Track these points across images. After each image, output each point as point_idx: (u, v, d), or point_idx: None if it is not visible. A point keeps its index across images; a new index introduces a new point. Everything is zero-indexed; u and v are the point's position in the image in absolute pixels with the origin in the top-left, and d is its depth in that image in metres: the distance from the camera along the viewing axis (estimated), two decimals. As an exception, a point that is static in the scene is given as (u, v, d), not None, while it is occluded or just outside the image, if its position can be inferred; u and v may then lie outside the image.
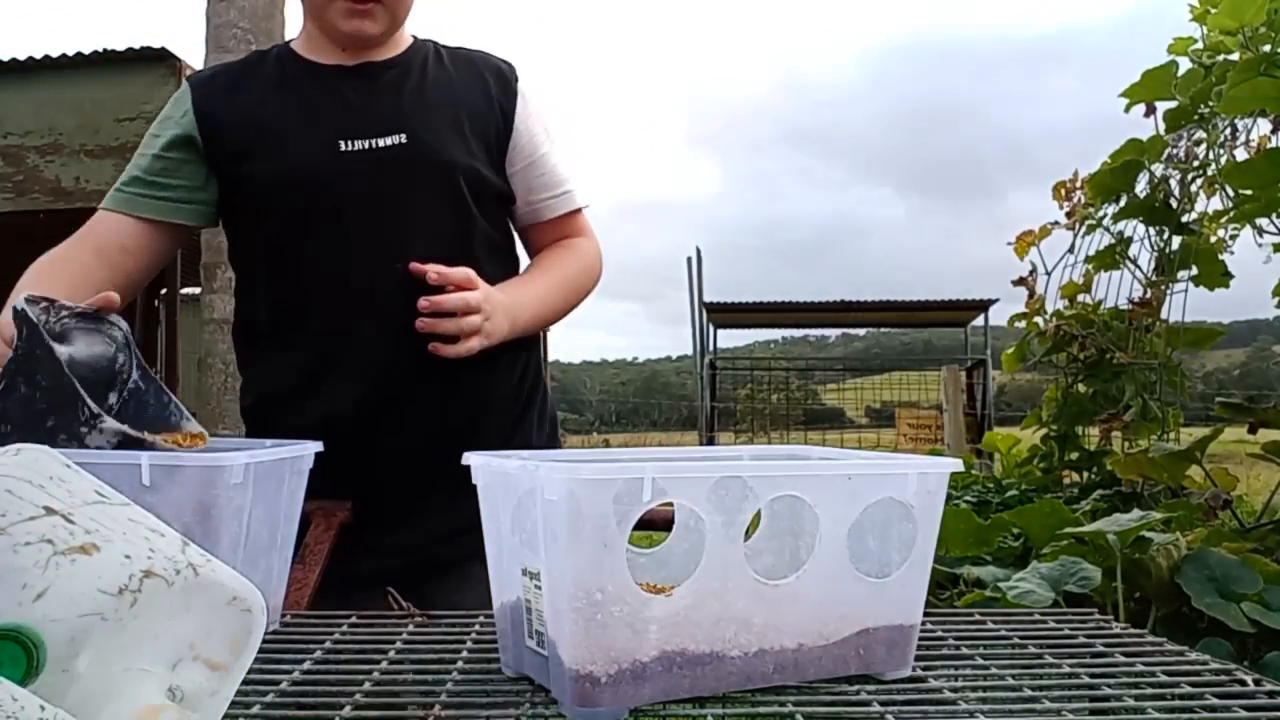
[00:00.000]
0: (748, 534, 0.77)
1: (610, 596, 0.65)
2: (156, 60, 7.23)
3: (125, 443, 0.84)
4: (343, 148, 1.19)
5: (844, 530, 0.73)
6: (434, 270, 1.12)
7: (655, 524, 0.90)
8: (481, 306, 1.14)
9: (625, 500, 0.65)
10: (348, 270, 1.20)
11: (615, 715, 0.66)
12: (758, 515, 0.84)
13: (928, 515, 0.76)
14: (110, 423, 0.85)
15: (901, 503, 0.75)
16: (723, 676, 0.70)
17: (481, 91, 1.29)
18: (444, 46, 1.34)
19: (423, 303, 1.11)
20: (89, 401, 0.85)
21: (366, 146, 1.20)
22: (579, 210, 1.36)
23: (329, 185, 1.19)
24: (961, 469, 0.81)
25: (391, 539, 1.22)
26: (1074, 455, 2.95)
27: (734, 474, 0.70)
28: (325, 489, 1.11)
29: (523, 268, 1.36)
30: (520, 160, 1.30)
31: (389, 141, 1.20)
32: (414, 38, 1.33)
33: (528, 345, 1.31)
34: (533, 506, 0.68)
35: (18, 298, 0.91)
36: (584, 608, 0.65)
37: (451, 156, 1.22)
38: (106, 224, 1.25)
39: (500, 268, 1.29)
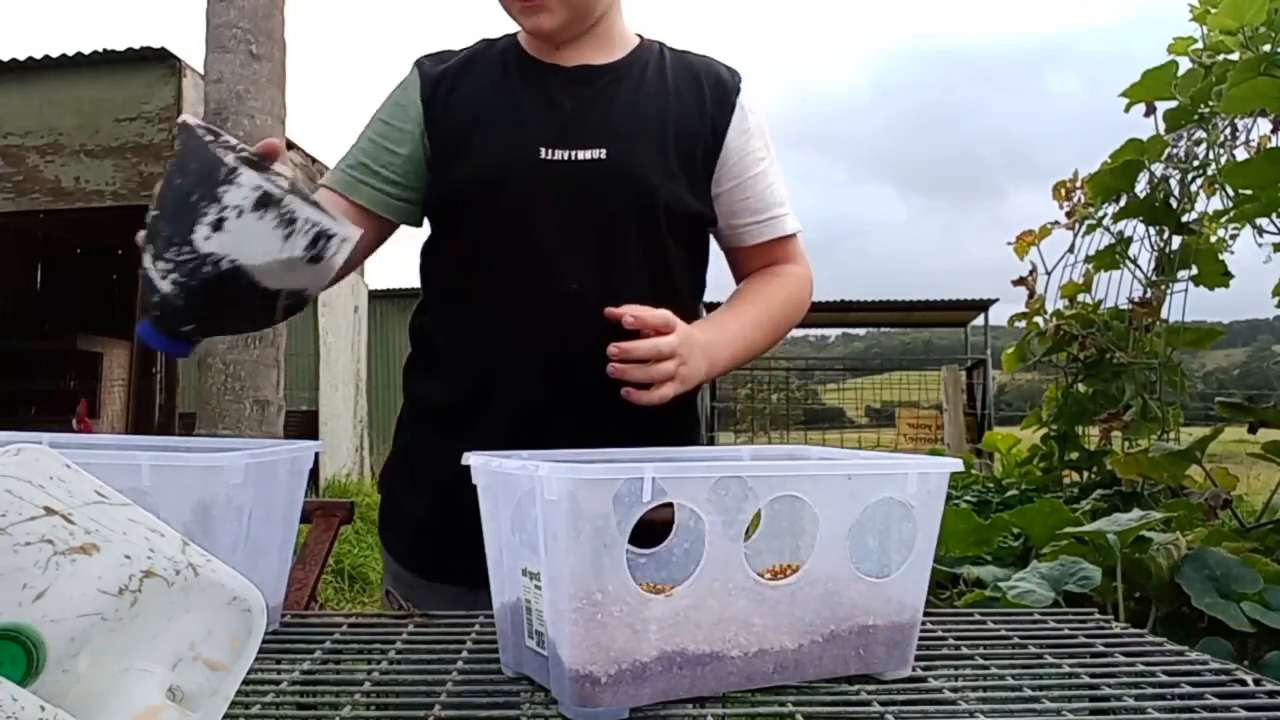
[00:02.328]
0: (748, 534, 0.77)
1: (610, 596, 0.65)
2: (156, 60, 7.24)
3: (264, 200, 0.80)
4: (543, 155, 1.15)
5: (844, 530, 0.73)
6: (630, 314, 1.04)
7: (655, 525, 0.90)
8: (676, 351, 1.06)
9: (625, 500, 0.65)
10: (530, 282, 1.15)
11: (615, 715, 0.66)
12: (758, 515, 0.84)
13: (928, 515, 0.77)
14: (248, 174, 0.80)
15: (901, 503, 0.76)
16: (723, 676, 0.70)
17: (696, 104, 1.22)
18: (670, 50, 1.27)
19: (612, 349, 1.03)
20: (224, 159, 0.81)
21: (566, 157, 1.15)
22: (791, 236, 1.27)
23: (524, 192, 1.16)
24: (961, 469, 0.81)
25: None
26: (1074, 455, 2.96)
27: (734, 474, 0.70)
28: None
29: (728, 291, 1.29)
30: (728, 180, 1.22)
31: (588, 155, 1.16)
32: (640, 38, 1.27)
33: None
34: (533, 506, 0.68)
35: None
36: (584, 608, 0.65)
37: (649, 178, 1.17)
38: (328, 202, 1.19)
39: (689, 291, 1.24)
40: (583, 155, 1.15)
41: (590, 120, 1.18)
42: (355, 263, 1.20)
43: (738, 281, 1.30)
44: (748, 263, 1.28)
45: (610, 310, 1.05)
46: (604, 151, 1.16)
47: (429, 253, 1.27)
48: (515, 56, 1.23)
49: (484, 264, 1.18)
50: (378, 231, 1.24)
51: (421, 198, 1.23)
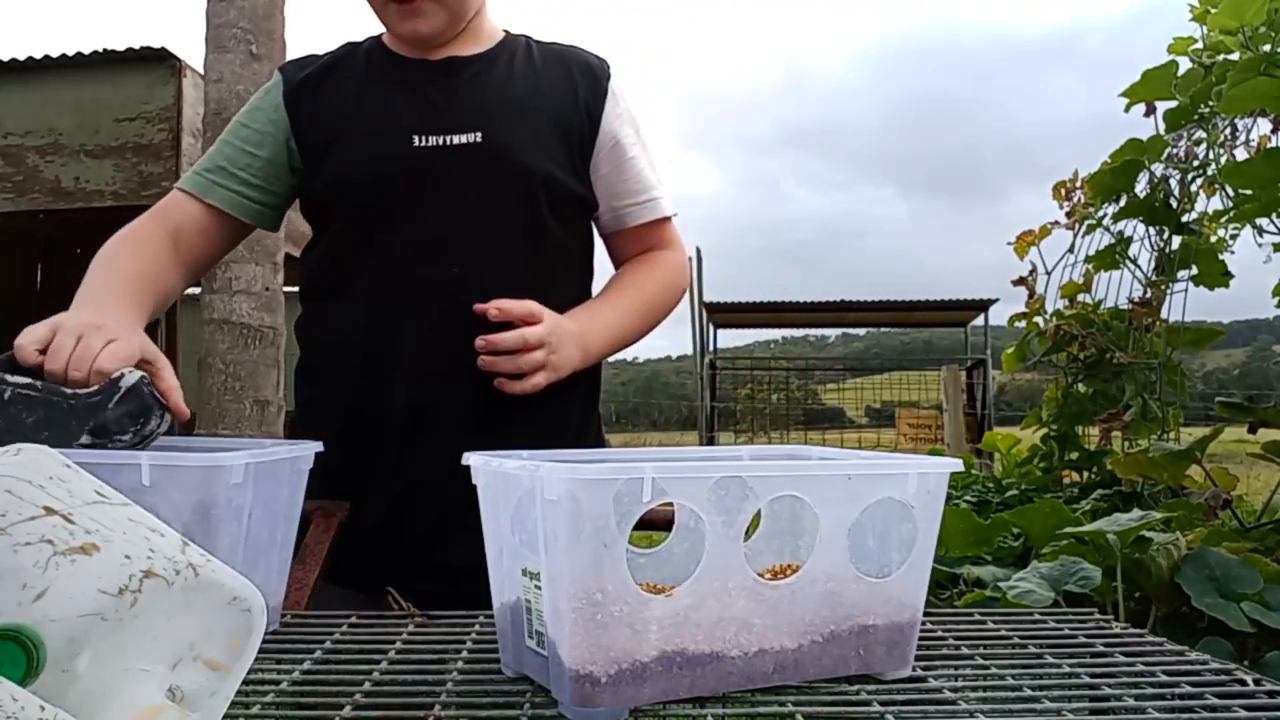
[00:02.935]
0: (748, 534, 0.77)
1: (610, 596, 0.65)
2: (156, 60, 7.24)
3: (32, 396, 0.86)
4: (416, 143, 1.15)
5: (844, 530, 0.73)
6: (494, 307, 1.07)
7: (655, 524, 0.90)
8: (546, 341, 1.08)
9: (625, 500, 0.65)
10: (411, 270, 1.16)
11: (615, 715, 0.66)
12: (758, 515, 0.84)
13: (928, 515, 0.77)
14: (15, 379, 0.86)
15: (901, 503, 0.76)
16: (723, 676, 0.70)
17: (568, 90, 1.23)
18: (536, 42, 1.28)
19: (479, 342, 1.07)
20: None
21: (440, 143, 1.16)
22: (666, 219, 1.29)
23: (398, 181, 1.16)
24: (961, 469, 0.81)
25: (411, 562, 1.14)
26: (1074, 455, 2.96)
27: (734, 474, 0.70)
28: (332, 492, 1.09)
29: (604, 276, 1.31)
30: (604, 164, 1.24)
31: (463, 139, 1.16)
32: (506, 32, 1.28)
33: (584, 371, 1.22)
34: (532, 506, 0.68)
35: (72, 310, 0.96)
36: (584, 608, 0.65)
37: (527, 159, 1.17)
38: (182, 206, 1.21)
39: (575, 275, 1.26)
40: (458, 140, 1.16)
41: (462, 106, 1.18)
42: (204, 268, 1.26)
43: (616, 268, 1.31)
44: (624, 247, 1.30)
45: (477, 306, 1.08)
46: (479, 135, 1.16)
47: (308, 256, 1.28)
48: (380, 55, 1.24)
49: (363, 257, 1.18)
50: (232, 233, 1.25)
51: (280, 201, 1.25)
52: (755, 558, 0.83)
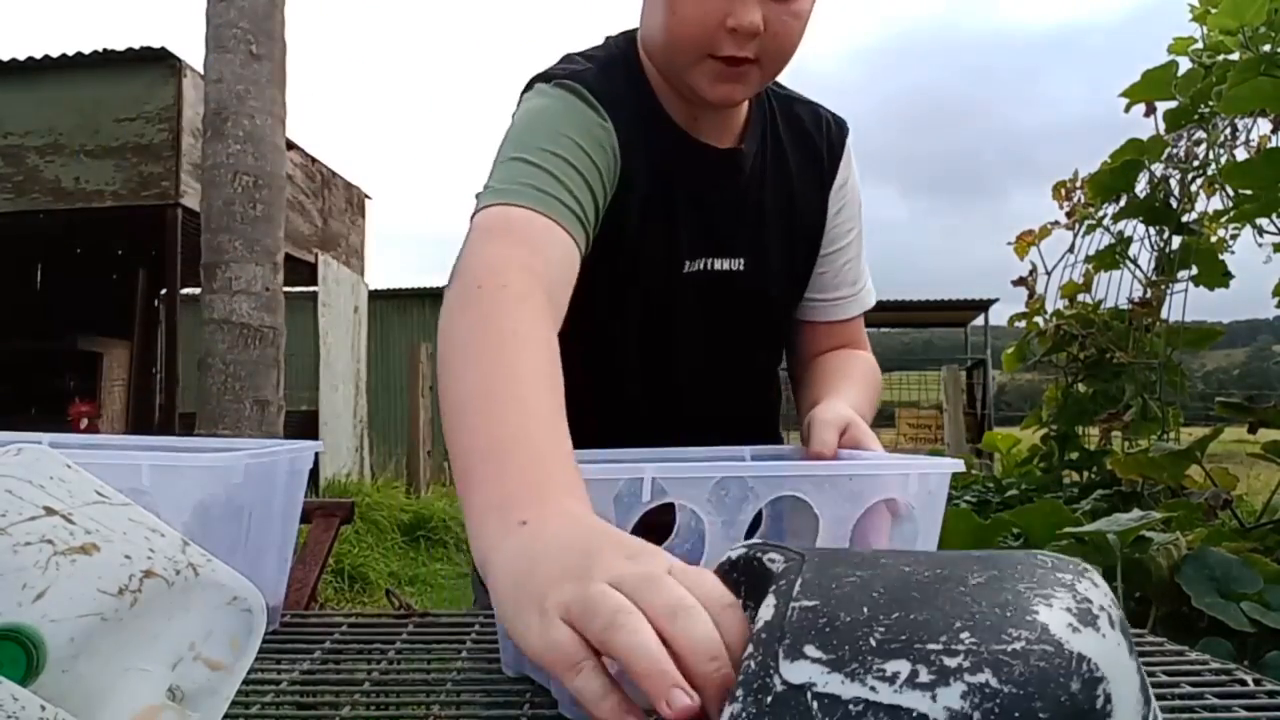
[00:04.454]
0: (749, 534, 0.77)
1: None
2: (156, 60, 7.25)
3: None
4: (686, 268, 1.01)
5: (846, 530, 0.73)
6: (828, 452, 0.87)
7: (655, 527, 0.90)
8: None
9: (625, 500, 0.65)
10: (657, 389, 1.05)
11: None
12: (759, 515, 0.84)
13: (929, 515, 0.77)
14: None
15: (903, 503, 0.76)
16: None
17: (814, 180, 1.07)
18: (778, 100, 1.09)
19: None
20: None
21: (703, 268, 1.02)
22: (858, 316, 1.13)
23: (664, 307, 1.02)
24: (963, 469, 0.81)
25: None
26: (1074, 455, 2.96)
27: (735, 474, 0.70)
28: None
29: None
30: (822, 249, 1.09)
31: (725, 266, 1.02)
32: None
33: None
34: None
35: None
36: None
37: (777, 288, 1.06)
38: (554, 238, 0.83)
39: (776, 382, 1.15)
40: (719, 265, 1.02)
41: (728, 223, 1.03)
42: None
43: (794, 350, 1.16)
44: (816, 339, 1.13)
45: (818, 455, 0.87)
46: (741, 263, 1.03)
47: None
48: (662, 123, 1.00)
49: (612, 364, 1.04)
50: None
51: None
52: None
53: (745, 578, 0.50)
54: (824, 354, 1.12)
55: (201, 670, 0.50)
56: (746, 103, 1.03)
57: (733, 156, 1.01)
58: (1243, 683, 0.73)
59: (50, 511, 0.49)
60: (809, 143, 1.07)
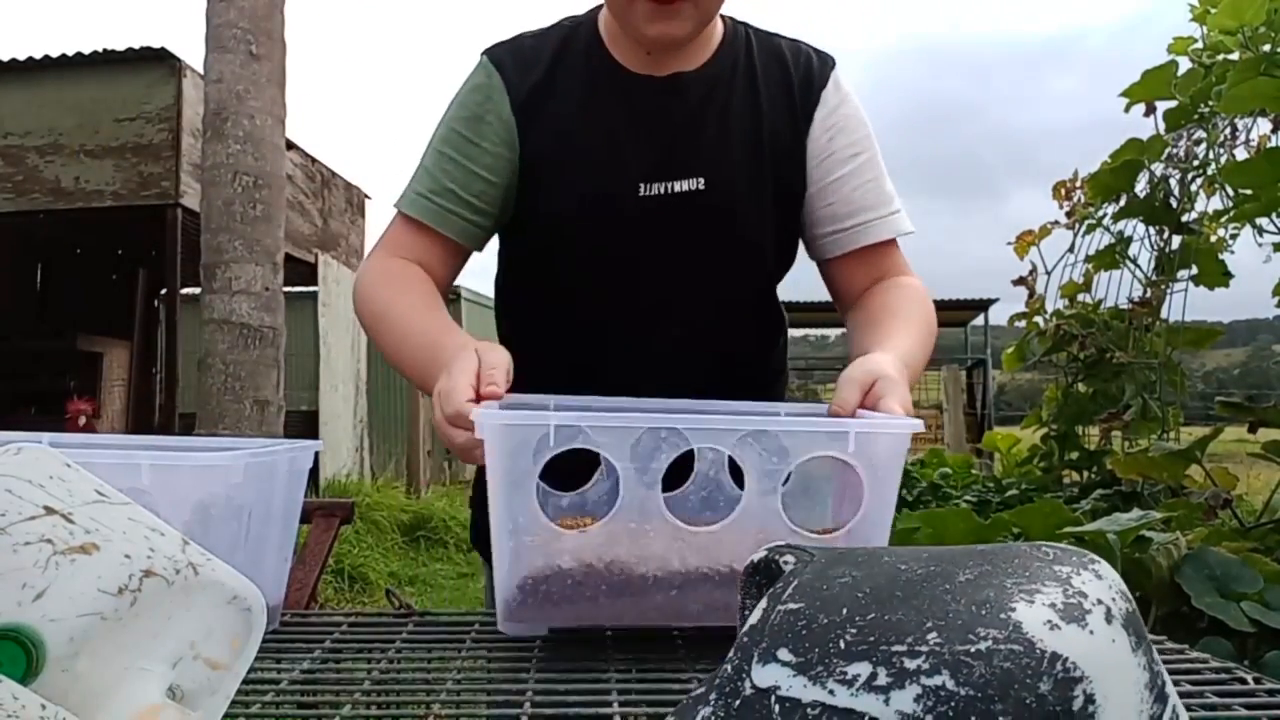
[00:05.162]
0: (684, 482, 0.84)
1: (522, 527, 0.72)
2: (156, 60, 7.25)
3: None
4: (641, 191, 1.03)
5: (774, 485, 0.73)
6: (847, 413, 0.83)
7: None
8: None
9: (536, 444, 0.71)
10: (622, 328, 1.06)
11: (535, 631, 0.77)
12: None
13: (880, 477, 0.74)
14: None
15: (847, 462, 0.74)
16: (645, 610, 0.74)
17: (786, 107, 1.07)
18: (756, 36, 1.11)
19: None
20: None
21: (662, 191, 1.03)
22: (893, 240, 1.09)
23: (623, 234, 1.04)
24: (922, 428, 0.79)
25: None
26: (1074, 455, 2.96)
27: (652, 425, 0.72)
28: None
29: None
30: (813, 184, 1.08)
31: (684, 186, 1.03)
32: (725, 23, 1.11)
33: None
34: None
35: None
36: (507, 535, 0.72)
37: (745, 208, 1.05)
38: (416, 237, 1.07)
39: (770, 318, 1.15)
40: (679, 186, 1.04)
41: (685, 144, 1.05)
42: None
43: (835, 294, 1.14)
44: (850, 277, 1.10)
45: (836, 413, 0.84)
46: (701, 181, 1.04)
47: (505, 289, 1.17)
48: (600, 60, 1.08)
49: (579, 308, 1.08)
50: (460, 263, 1.12)
51: (498, 225, 1.11)
52: (682, 502, 0.87)
53: (765, 580, 0.53)
54: (867, 291, 1.09)
55: (201, 669, 0.51)
56: (718, 39, 1.09)
57: (673, 82, 1.06)
58: (1243, 681, 0.73)
59: (50, 511, 0.49)
60: (783, 74, 1.10)
